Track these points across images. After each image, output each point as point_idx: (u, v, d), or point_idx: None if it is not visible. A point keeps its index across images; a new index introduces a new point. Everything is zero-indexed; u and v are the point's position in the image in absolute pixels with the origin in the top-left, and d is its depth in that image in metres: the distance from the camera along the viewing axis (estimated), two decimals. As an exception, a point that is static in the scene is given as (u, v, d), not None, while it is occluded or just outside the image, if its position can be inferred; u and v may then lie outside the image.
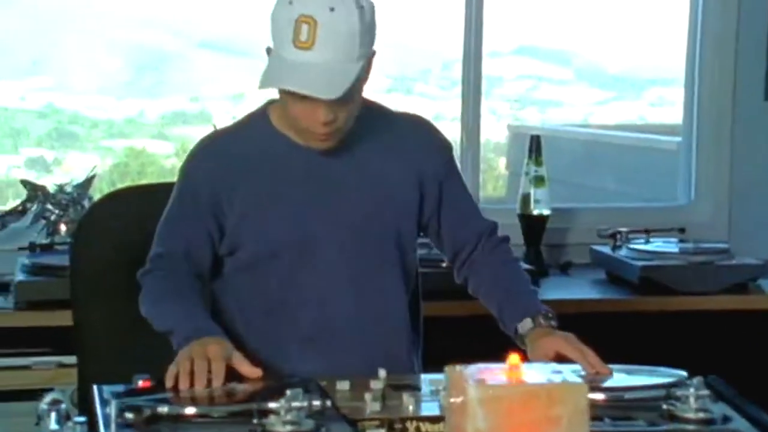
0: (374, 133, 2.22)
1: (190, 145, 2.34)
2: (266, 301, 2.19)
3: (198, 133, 3.87)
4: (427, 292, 2.41)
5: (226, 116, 3.75)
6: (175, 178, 2.29)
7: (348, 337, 2.19)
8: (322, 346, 2.18)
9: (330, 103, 2.06)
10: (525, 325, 2.16)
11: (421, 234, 2.35)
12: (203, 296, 2.18)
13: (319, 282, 2.18)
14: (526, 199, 3.44)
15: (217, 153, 2.22)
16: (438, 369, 1.80)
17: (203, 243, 2.19)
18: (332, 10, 2.03)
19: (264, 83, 2.09)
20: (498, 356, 1.55)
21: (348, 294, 2.19)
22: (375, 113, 2.18)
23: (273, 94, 2.19)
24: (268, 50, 2.12)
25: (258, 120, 2.24)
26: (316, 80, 2.03)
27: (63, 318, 2.53)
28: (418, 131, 2.30)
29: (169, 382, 1.90)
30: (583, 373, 2.01)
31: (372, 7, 2.10)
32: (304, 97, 2.06)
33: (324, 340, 2.18)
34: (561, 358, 2.07)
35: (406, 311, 2.27)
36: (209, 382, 1.91)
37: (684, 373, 1.99)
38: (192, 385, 1.90)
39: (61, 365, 2.87)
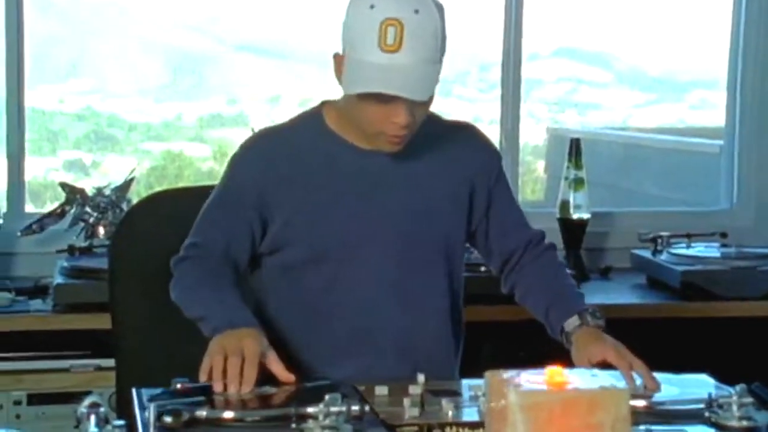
0: (425, 140, 2.22)
1: (228, 148, 2.35)
2: (306, 304, 2.19)
3: (235, 135, 3.89)
4: (466, 296, 2.41)
5: (264, 119, 3.76)
6: (212, 182, 2.30)
7: (389, 343, 2.19)
8: (361, 351, 2.17)
9: (410, 105, 2.08)
10: (572, 322, 2.15)
11: (469, 246, 2.35)
12: (239, 288, 2.16)
13: (362, 288, 2.18)
14: (565, 203, 3.43)
15: (268, 151, 2.22)
16: (476, 374, 1.80)
17: (243, 239, 2.18)
18: (416, 12, 2.05)
19: (351, 87, 2.09)
20: (539, 362, 1.55)
21: (391, 301, 2.19)
22: (426, 120, 2.19)
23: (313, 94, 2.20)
24: (336, 56, 2.12)
25: (311, 120, 2.24)
26: (406, 82, 2.04)
27: (101, 321, 2.55)
28: (468, 139, 2.31)
29: (202, 377, 1.91)
30: (626, 386, 1.99)
31: (443, 9, 2.12)
32: (384, 100, 2.06)
33: (364, 346, 2.18)
34: (605, 366, 2.05)
35: (448, 320, 2.26)
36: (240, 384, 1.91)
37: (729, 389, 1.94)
38: (225, 388, 1.90)
39: (100, 368, 2.89)
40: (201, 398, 1.85)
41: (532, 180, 4.35)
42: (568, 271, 2.39)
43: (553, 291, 2.26)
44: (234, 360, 1.92)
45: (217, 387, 1.90)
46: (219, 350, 1.94)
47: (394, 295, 2.19)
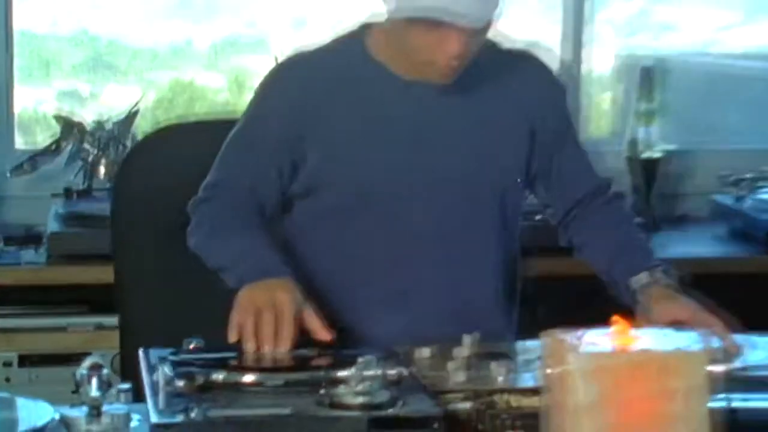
0: (480, 71, 2.21)
1: (245, 78, 2.36)
2: (345, 256, 2.21)
3: (254, 63, 3.89)
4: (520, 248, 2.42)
5: (287, 45, 3.77)
6: (228, 115, 2.31)
7: (436, 303, 2.20)
8: (404, 311, 2.19)
9: (465, 32, 2.07)
10: (640, 279, 2.16)
11: (528, 193, 2.35)
12: (268, 232, 2.17)
13: (408, 238, 2.19)
14: (634, 141, 3.43)
15: (302, 77, 2.23)
16: (532, 335, 1.82)
17: (271, 178, 2.20)
18: None
19: (397, 10, 2.09)
20: (602, 322, 1.56)
21: (439, 254, 2.20)
22: (482, 48, 2.18)
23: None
24: None
25: (351, 45, 2.24)
26: (460, 6, 2.03)
27: (102, 274, 2.58)
28: (530, 71, 2.31)
29: (232, 337, 1.93)
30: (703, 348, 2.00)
31: None
32: (435, 26, 2.06)
33: (408, 305, 2.19)
34: (678, 327, 2.05)
35: (502, 278, 2.27)
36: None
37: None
38: (258, 348, 1.92)
39: (101, 327, 2.93)
40: (218, 360, 1.86)
41: (597, 114, 4.33)
42: (637, 220, 2.39)
43: (617, 243, 2.27)
44: (267, 316, 1.93)
45: (249, 347, 1.92)
46: (249, 305, 1.95)
47: (442, 250, 2.20)
